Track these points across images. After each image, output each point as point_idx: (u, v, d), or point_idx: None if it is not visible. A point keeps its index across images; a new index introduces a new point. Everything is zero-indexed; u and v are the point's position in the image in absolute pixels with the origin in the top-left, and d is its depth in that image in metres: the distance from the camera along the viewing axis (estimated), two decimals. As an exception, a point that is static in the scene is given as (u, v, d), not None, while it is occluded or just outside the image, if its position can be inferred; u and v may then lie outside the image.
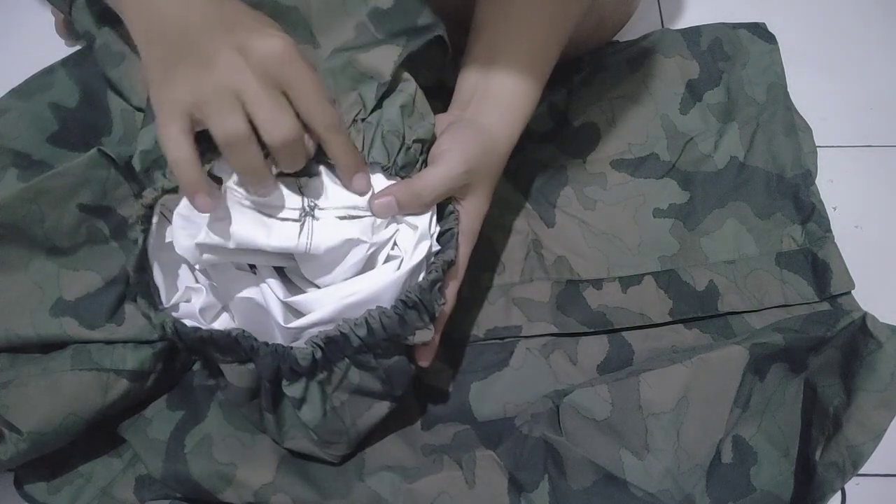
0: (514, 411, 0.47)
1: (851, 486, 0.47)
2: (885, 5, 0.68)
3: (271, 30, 0.36)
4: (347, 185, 0.40)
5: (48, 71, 0.53)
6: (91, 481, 0.45)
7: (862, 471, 0.40)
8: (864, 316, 0.43)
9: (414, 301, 0.38)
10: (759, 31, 0.62)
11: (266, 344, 0.38)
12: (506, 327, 0.50)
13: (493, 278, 0.52)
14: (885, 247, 0.56)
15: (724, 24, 0.62)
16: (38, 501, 0.45)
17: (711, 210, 0.55)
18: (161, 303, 0.41)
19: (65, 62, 0.53)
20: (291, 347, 0.38)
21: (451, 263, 0.41)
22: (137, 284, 0.40)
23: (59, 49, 0.63)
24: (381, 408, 0.43)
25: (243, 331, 0.38)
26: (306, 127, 0.37)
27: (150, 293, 0.40)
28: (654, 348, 0.50)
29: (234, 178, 0.38)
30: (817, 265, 0.52)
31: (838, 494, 0.44)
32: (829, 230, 0.53)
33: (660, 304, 0.51)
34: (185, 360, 0.48)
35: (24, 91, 0.52)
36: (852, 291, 0.51)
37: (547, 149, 0.57)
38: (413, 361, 0.43)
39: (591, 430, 0.44)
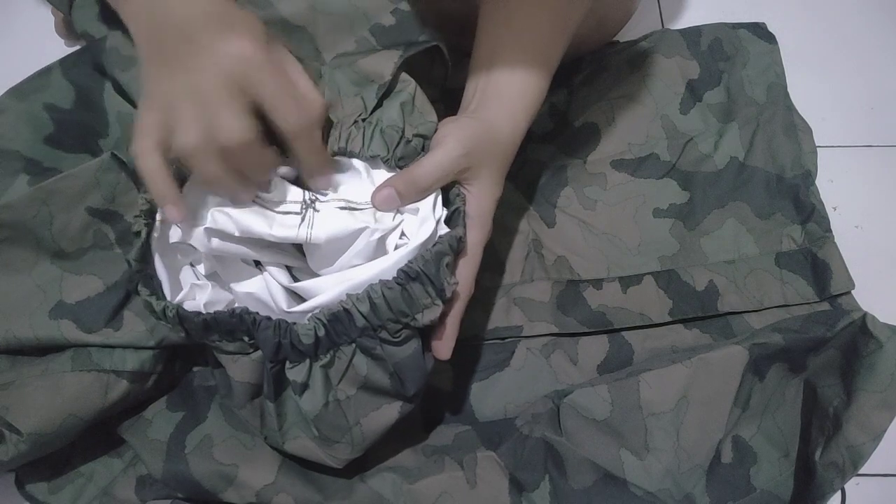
0: (515, 411, 0.48)
1: (851, 486, 0.47)
2: (884, 6, 0.68)
3: (245, 34, 0.36)
4: (309, 183, 0.39)
5: (45, 71, 0.53)
6: (92, 481, 0.45)
7: (862, 471, 0.40)
8: (864, 316, 0.43)
9: (417, 272, 0.37)
10: (759, 31, 0.62)
11: (268, 318, 0.37)
12: (506, 327, 0.50)
13: (494, 278, 0.52)
14: (885, 247, 0.56)
15: (724, 24, 0.62)
16: (40, 501, 0.45)
17: (711, 210, 0.55)
18: (164, 297, 0.41)
19: (62, 63, 0.53)
20: (294, 323, 0.37)
21: (459, 240, 0.40)
22: (139, 273, 0.40)
23: (58, 49, 0.63)
24: (391, 410, 0.41)
25: (246, 308, 0.38)
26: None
27: (151, 283, 0.40)
28: (654, 348, 0.50)
29: None
30: (817, 265, 0.52)
31: (838, 494, 0.44)
32: (829, 230, 0.53)
33: (660, 304, 0.51)
34: (185, 361, 0.48)
35: (21, 91, 0.51)
36: (852, 291, 0.51)
37: (547, 149, 0.57)
38: (427, 349, 0.41)
39: (592, 430, 0.44)
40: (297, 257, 0.41)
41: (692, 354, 0.45)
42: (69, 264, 0.44)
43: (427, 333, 0.41)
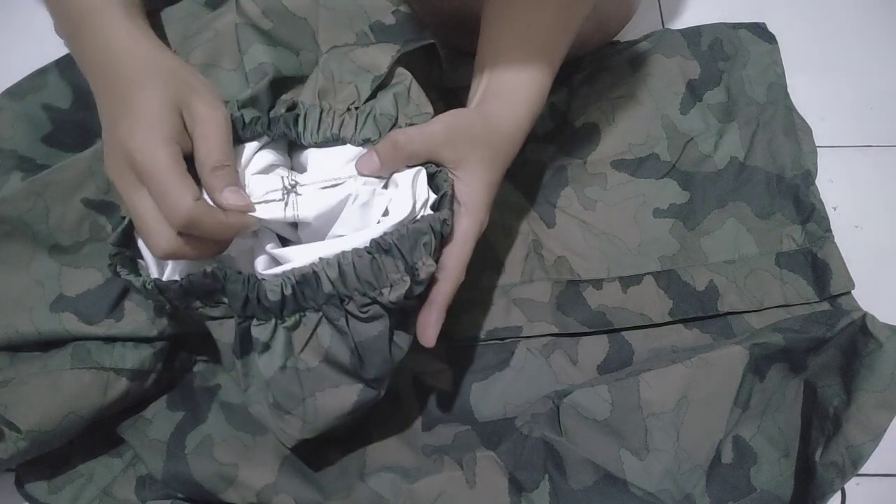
0: (515, 411, 0.48)
1: (851, 486, 0.47)
2: (885, 5, 0.68)
3: (137, 118, 0.36)
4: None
5: (41, 72, 0.53)
6: (92, 481, 0.45)
7: (862, 471, 0.40)
8: (864, 316, 0.43)
9: (389, 244, 0.37)
10: (760, 31, 0.62)
11: (238, 273, 0.37)
12: (506, 328, 0.50)
13: (494, 279, 0.52)
14: (885, 247, 0.56)
15: (724, 24, 0.62)
16: (40, 501, 0.45)
17: (711, 210, 0.55)
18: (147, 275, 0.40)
19: (58, 63, 0.53)
20: (263, 279, 0.37)
21: (443, 222, 0.39)
22: (117, 256, 0.39)
23: (58, 49, 0.63)
24: (350, 392, 0.39)
25: (217, 265, 0.37)
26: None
27: (132, 265, 0.40)
28: (654, 348, 0.50)
29: None
30: (817, 265, 0.52)
31: (838, 494, 0.44)
32: (829, 230, 0.53)
33: (660, 304, 0.51)
34: (185, 360, 0.48)
35: (17, 92, 0.52)
36: (852, 291, 0.52)
37: (547, 149, 0.57)
38: (401, 332, 0.40)
39: (592, 431, 0.44)
40: (292, 231, 0.41)
41: (692, 354, 0.45)
42: (67, 258, 0.45)
43: (401, 320, 0.40)
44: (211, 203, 0.37)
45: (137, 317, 0.44)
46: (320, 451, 0.45)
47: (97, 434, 0.45)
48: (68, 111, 0.52)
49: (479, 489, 0.43)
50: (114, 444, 0.46)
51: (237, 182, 0.38)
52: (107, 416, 0.44)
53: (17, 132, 0.50)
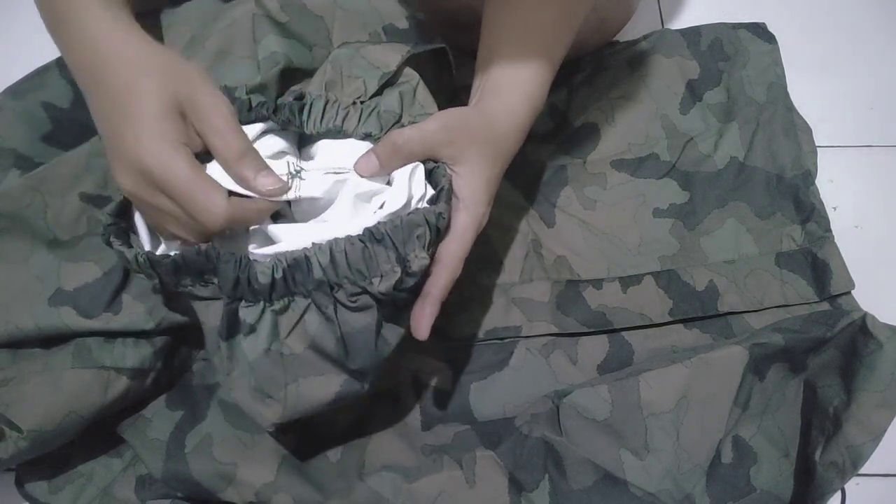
0: (514, 411, 0.48)
1: (851, 486, 0.47)
2: (885, 5, 0.68)
3: (145, 134, 0.36)
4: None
5: (41, 71, 0.53)
6: (92, 481, 0.45)
7: (862, 471, 0.41)
8: (864, 316, 0.43)
9: (382, 234, 0.37)
10: (759, 31, 0.62)
11: (231, 253, 0.37)
12: (506, 327, 0.50)
13: (493, 278, 0.52)
14: (885, 247, 0.56)
15: (724, 24, 0.62)
16: (40, 501, 0.45)
17: (711, 210, 0.55)
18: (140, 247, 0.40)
19: (58, 62, 0.53)
20: (255, 261, 0.37)
21: (439, 216, 0.39)
22: (111, 226, 0.39)
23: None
24: (333, 382, 0.39)
25: (211, 245, 0.37)
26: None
27: (126, 237, 0.40)
28: (654, 348, 0.50)
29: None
30: (817, 265, 0.52)
31: (838, 494, 0.44)
32: (829, 230, 0.53)
33: (660, 303, 0.51)
34: (185, 358, 0.48)
35: (18, 91, 0.52)
36: (852, 291, 0.52)
37: (547, 149, 0.57)
38: (397, 324, 0.40)
39: (591, 430, 0.44)
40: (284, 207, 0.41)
41: (692, 354, 0.45)
42: (66, 252, 0.45)
43: (392, 314, 0.40)
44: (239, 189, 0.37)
45: (135, 309, 0.44)
46: (320, 450, 0.45)
47: (97, 434, 0.45)
48: (68, 110, 0.52)
49: (478, 489, 0.43)
50: (114, 444, 0.46)
51: (264, 164, 0.38)
52: (107, 415, 0.44)
53: (16, 131, 0.50)
